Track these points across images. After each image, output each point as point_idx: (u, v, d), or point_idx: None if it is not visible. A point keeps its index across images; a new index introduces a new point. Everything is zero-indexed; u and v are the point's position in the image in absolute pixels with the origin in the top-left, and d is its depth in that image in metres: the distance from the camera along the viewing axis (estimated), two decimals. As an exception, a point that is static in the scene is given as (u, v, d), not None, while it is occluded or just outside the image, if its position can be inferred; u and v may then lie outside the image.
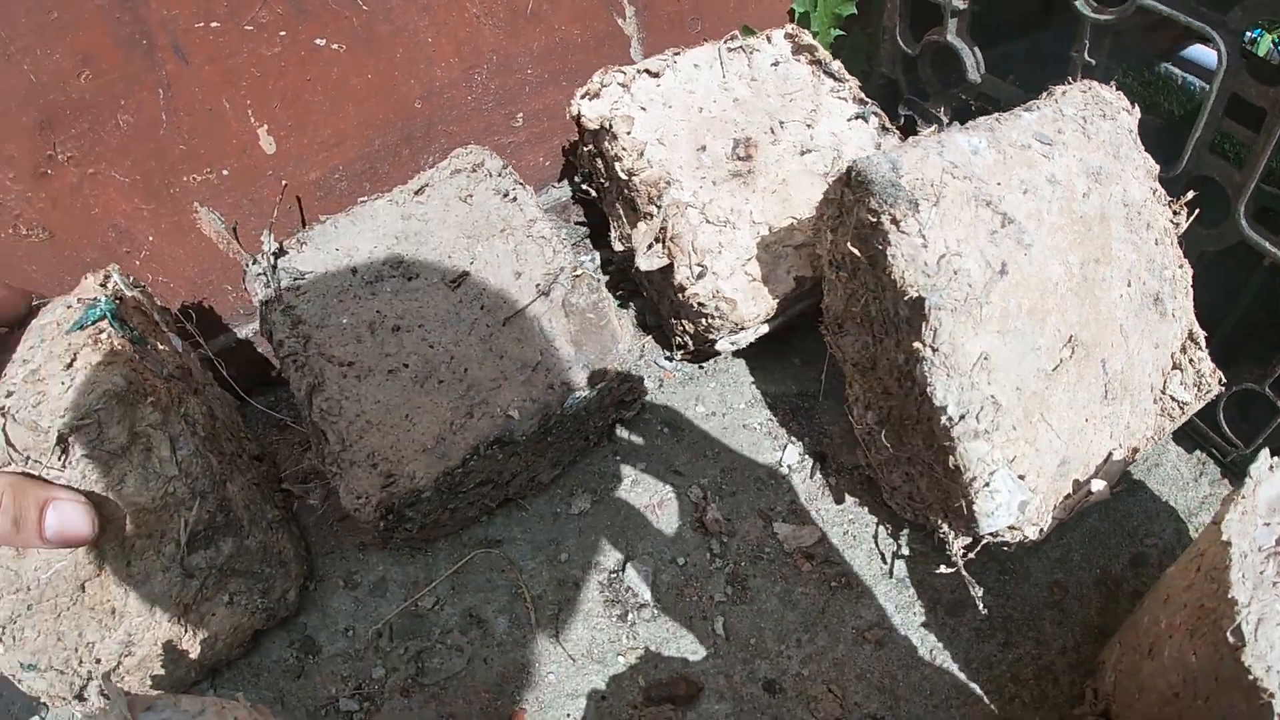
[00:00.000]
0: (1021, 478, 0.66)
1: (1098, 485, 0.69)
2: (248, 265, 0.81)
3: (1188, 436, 0.87)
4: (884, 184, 0.64)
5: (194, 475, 0.68)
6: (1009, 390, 0.66)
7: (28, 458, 0.60)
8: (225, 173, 0.84)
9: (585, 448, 0.84)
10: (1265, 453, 0.59)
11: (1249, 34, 1.26)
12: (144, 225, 0.85)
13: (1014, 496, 0.65)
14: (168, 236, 0.86)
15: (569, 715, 0.74)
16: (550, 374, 0.74)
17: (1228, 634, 0.52)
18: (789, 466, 0.84)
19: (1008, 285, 0.66)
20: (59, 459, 0.61)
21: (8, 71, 0.71)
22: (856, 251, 0.68)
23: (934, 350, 0.64)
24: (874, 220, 0.64)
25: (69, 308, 0.71)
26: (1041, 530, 0.68)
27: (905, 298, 0.64)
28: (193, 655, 0.76)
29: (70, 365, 0.63)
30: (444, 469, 0.71)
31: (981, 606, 0.71)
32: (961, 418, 0.64)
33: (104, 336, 0.66)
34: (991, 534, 0.67)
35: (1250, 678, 0.51)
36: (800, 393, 0.90)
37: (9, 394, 0.62)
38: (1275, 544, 0.56)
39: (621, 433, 0.87)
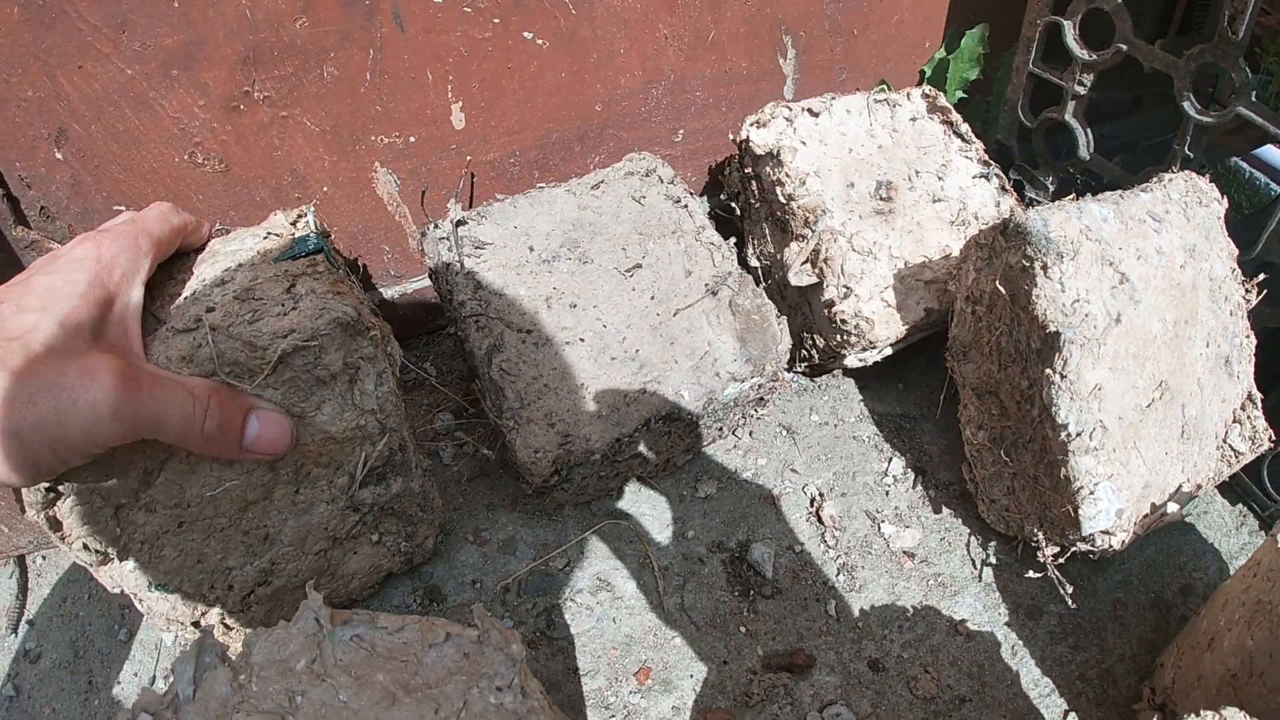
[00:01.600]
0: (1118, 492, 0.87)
1: (1172, 507, 0.91)
2: (428, 229, 0.98)
3: (1232, 490, 1.10)
4: (1039, 237, 0.85)
5: (388, 412, 0.82)
6: (1113, 418, 0.87)
7: (230, 371, 0.72)
8: (412, 139, 1.01)
9: (716, 436, 1.03)
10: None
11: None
12: (321, 175, 1.00)
13: (1113, 505, 0.86)
14: (342, 189, 1.02)
15: (692, 675, 0.91)
16: (717, 363, 0.93)
17: (1284, 617, 0.74)
18: (894, 477, 1.05)
19: (1120, 332, 0.88)
20: (265, 378, 0.74)
21: (225, 3, 0.86)
22: (1002, 289, 0.89)
23: (1062, 377, 0.85)
24: (1025, 265, 0.86)
25: (264, 238, 0.85)
26: (1124, 541, 0.90)
27: (1044, 330, 0.85)
28: (323, 593, 0.89)
29: (290, 289, 0.77)
30: (617, 435, 0.89)
31: (1070, 602, 0.92)
32: (1078, 435, 0.85)
33: (320, 269, 0.81)
34: (1087, 538, 0.88)
35: (1305, 658, 0.72)
36: (903, 414, 1.11)
37: (210, 309, 0.75)
38: (1322, 559, 0.78)
39: (745, 430, 1.06)
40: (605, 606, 0.95)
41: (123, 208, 0.95)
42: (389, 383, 0.81)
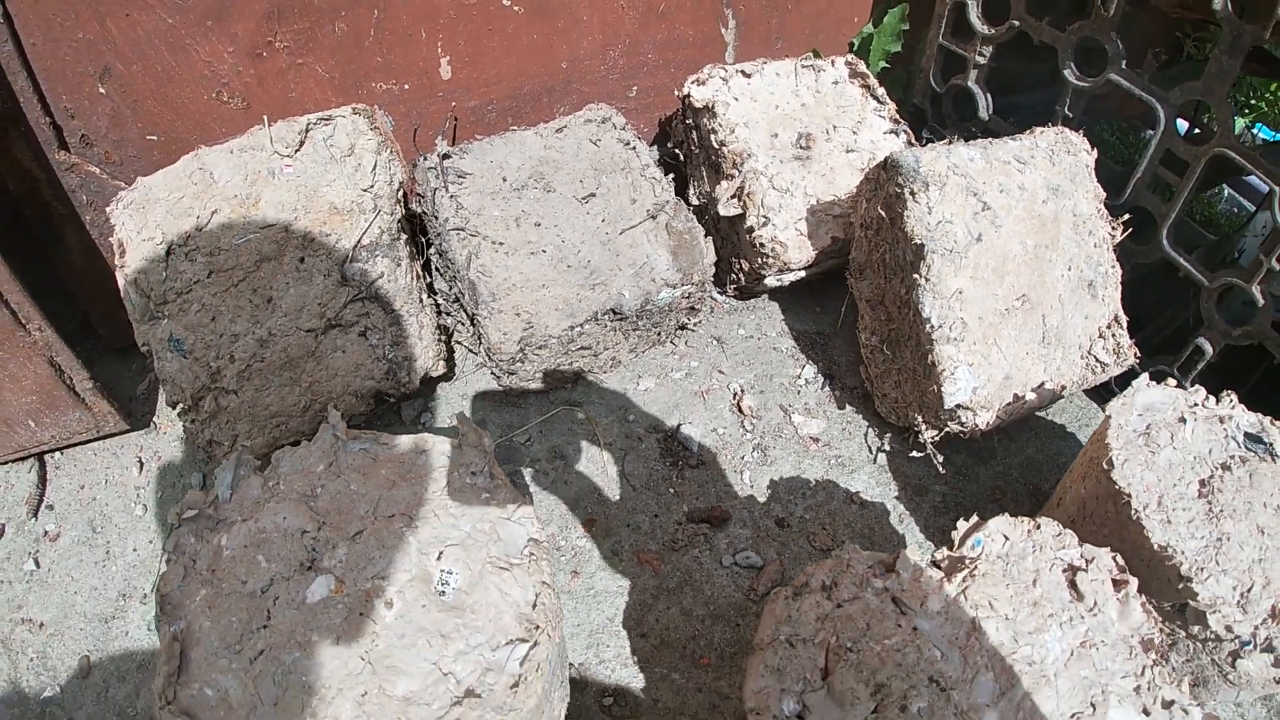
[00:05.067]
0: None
1: (1031, 396, 1.23)
2: (419, 160, 1.31)
3: (1109, 407, 1.41)
4: (909, 169, 1.18)
5: (383, 195, 1.19)
6: (974, 317, 1.19)
7: (275, 151, 1.15)
8: (406, 87, 1.35)
9: (656, 341, 1.35)
10: (1146, 374, 1.12)
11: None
12: (330, 118, 1.34)
13: (969, 383, 1.18)
14: (348, 133, 1.35)
15: (629, 525, 1.22)
16: (654, 272, 1.25)
17: (1103, 463, 1.05)
18: (806, 380, 1.37)
19: (980, 249, 1.20)
20: (296, 149, 1.15)
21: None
22: (883, 213, 1.22)
23: (926, 280, 1.17)
24: (899, 192, 1.18)
25: None
26: (988, 422, 1.21)
27: (913, 244, 1.17)
28: (307, 382, 1.18)
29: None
30: (570, 323, 1.21)
31: (941, 469, 1.23)
32: (939, 326, 1.17)
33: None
34: (951, 412, 1.19)
35: (1117, 488, 1.02)
36: (818, 331, 1.43)
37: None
38: (1145, 429, 1.09)
39: (681, 340, 1.39)
40: (559, 472, 1.27)
41: (154, 138, 1.29)
42: (385, 175, 1.20)
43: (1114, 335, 1.32)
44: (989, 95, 1.46)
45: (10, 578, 1.24)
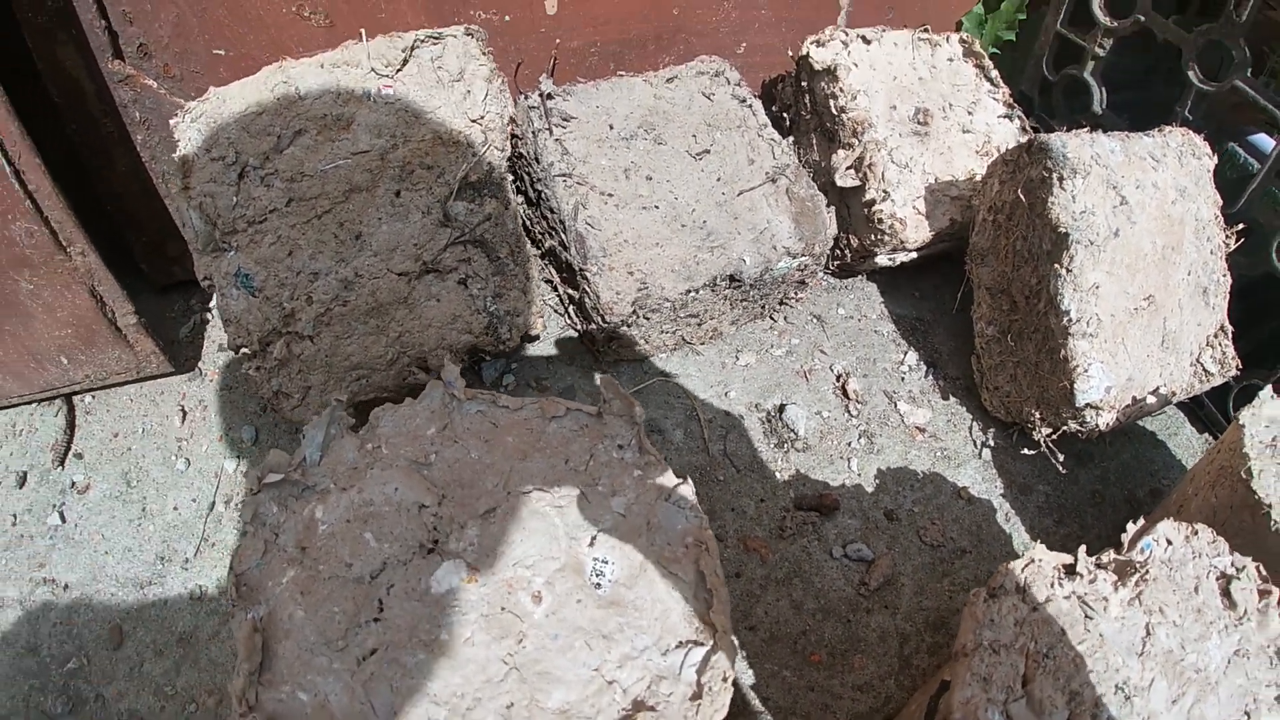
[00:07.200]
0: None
1: (1150, 399, 1.21)
2: (519, 99, 1.24)
3: (1200, 420, 1.42)
4: (1058, 154, 1.15)
5: (492, 128, 1.11)
6: (1106, 314, 1.17)
7: (372, 69, 1.05)
8: (507, 18, 1.27)
9: (758, 314, 1.30)
10: (1270, 387, 1.12)
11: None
12: (420, 43, 1.25)
13: (1103, 382, 1.16)
14: (438, 60, 1.27)
15: (733, 509, 1.17)
16: (775, 239, 1.20)
17: (1241, 472, 1.04)
18: (909, 366, 1.33)
19: (1117, 244, 1.18)
20: (397, 69, 1.06)
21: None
22: (1023, 198, 1.19)
23: (1068, 271, 1.14)
24: (1045, 176, 1.16)
25: None
26: (1109, 423, 1.19)
27: (1056, 232, 1.15)
28: (396, 331, 1.09)
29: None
30: (688, 287, 1.15)
31: (1061, 469, 1.21)
32: (1077, 320, 1.14)
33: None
34: (1079, 410, 1.17)
35: (1256, 498, 1.01)
36: (918, 317, 1.40)
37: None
38: (1272, 441, 1.08)
39: (780, 314, 1.34)
40: (657, 447, 1.20)
41: (221, 52, 1.18)
42: (497, 105, 1.12)
43: (1220, 345, 1.32)
44: (1104, 89, 1.44)
45: (31, 531, 1.13)
